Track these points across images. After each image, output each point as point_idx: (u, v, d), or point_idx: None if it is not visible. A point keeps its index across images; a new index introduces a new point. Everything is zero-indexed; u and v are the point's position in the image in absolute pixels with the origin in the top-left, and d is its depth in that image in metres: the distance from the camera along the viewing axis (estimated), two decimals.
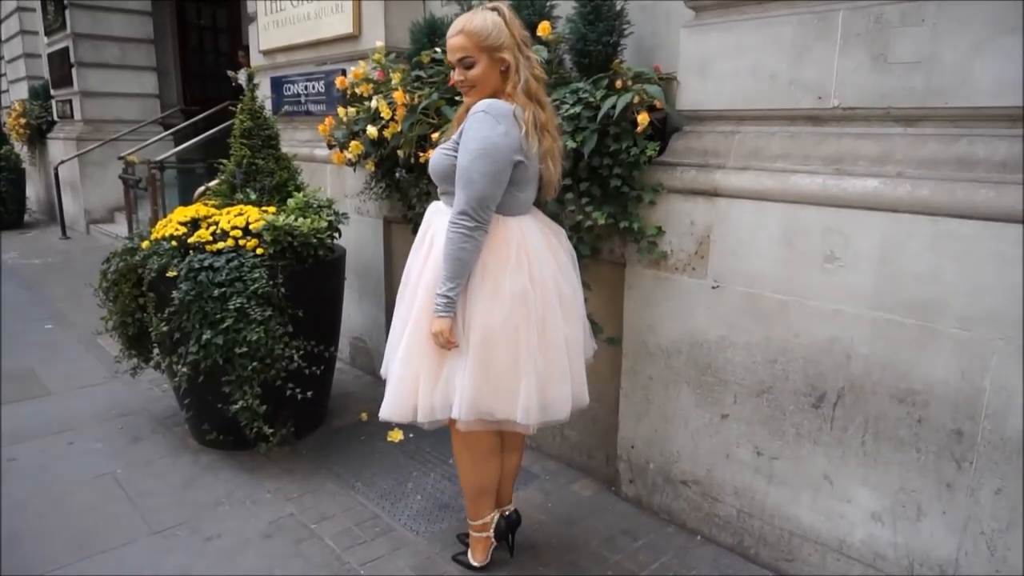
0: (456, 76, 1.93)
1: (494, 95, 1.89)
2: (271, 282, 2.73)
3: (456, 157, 1.86)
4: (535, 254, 1.92)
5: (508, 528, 2.26)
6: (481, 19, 1.85)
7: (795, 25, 2.02)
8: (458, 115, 2.05)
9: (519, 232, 1.92)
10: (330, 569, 2.27)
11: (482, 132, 1.81)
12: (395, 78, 2.94)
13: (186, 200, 4.08)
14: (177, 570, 2.26)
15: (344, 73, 3.37)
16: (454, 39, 1.87)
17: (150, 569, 2.26)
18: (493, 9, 1.88)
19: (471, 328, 1.88)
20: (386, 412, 2.00)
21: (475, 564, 2.24)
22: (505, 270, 1.88)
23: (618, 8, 2.48)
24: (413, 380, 1.96)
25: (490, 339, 1.87)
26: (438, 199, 2.05)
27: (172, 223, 2.92)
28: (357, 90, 3.21)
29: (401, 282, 2.09)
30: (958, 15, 1.72)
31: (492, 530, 2.23)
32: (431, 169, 2.00)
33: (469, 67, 1.88)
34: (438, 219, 1.97)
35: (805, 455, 2.13)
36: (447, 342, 1.87)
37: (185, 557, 2.32)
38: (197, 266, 2.70)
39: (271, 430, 2.76)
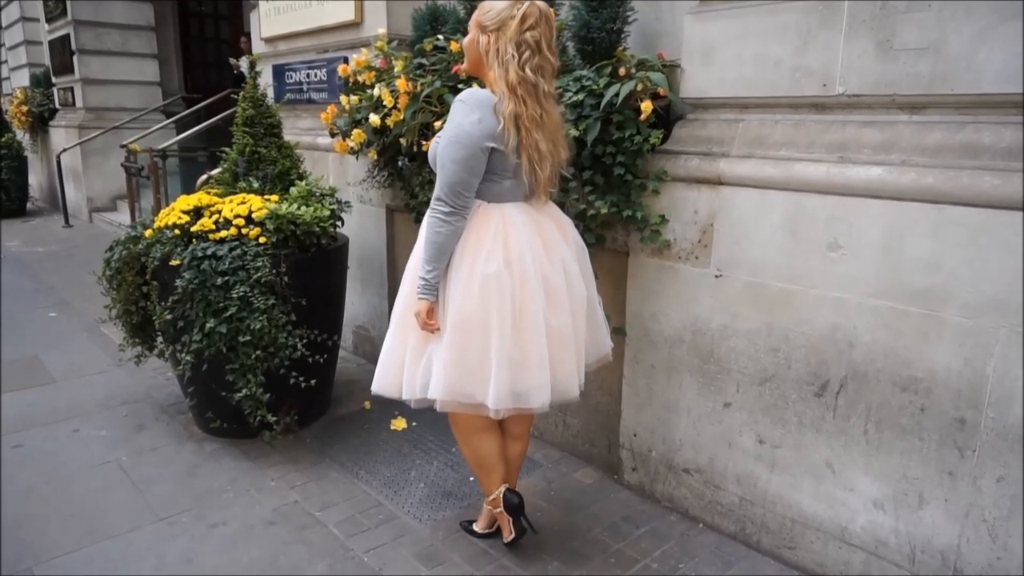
0: None
1: (478, 71, 1.98)
2: (274, 271, 2.73)
3: None
4: (515, 240, 1.92)
5: (519, 503, 2.23)
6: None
7: (800, 12, 2.00)
8: None
9: (500, 218, 1.94)
10: (334, 556, 2.28)
11: (455, 119, 1.87)
12: (397, 66, 2.93)
13: (188, 188, 4.09)
14: (181, 556, 2.28)
15: (346, 61, 3.36)
16: None
17: (154, 555, 2.28)
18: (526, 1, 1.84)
19: (448, 311, 1.93)
20: (375, 385, 2.11)
21: (476, 529, 2.36)
22: (480, 254, 1.90)
23: None
24: (399, 356, 2.05)
25: (464, 322, 1.90)
26: None
27: (175, 211, 2.93)
28: (359, 78, 3.20)
29: None
30: (964, 1, 1.70)
31: (502, 505, 2.22)
32: (429, 157, 2.04)
33: (467, 33, 1.97)
34: None
35: (807, 443, 2.13)
36: (425, 323, 1.94)
37: (189, 543, 2.34)
38: (200, 255, 2.71)
39: (275, 418, 2.77)
